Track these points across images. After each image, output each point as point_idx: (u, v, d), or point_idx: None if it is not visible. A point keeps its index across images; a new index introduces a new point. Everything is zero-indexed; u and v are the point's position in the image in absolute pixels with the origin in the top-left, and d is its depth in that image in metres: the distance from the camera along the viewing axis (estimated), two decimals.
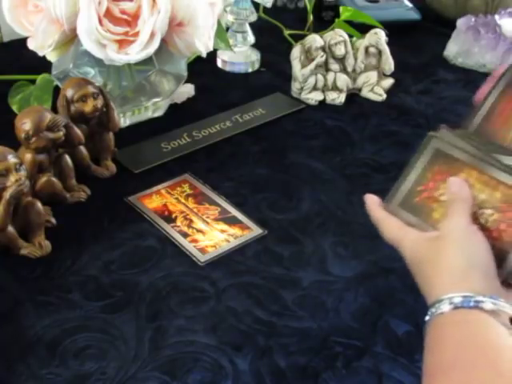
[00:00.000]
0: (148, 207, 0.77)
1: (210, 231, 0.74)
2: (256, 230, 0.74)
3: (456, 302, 0.48)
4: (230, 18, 1.05)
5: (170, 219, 0.75)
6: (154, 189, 0.80)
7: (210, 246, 0.72)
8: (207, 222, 0.75)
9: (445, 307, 0.49)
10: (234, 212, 0.76)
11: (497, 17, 1.11)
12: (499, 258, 0.53)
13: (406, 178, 0.59)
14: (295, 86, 1.00)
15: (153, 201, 0.78)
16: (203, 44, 0.82)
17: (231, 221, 0.75)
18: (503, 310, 0.48)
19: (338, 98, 0.99)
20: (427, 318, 0.50)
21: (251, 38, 1.07)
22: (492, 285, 0.51)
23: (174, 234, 0.73)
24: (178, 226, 0.74)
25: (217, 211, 0.77)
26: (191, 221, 0.75)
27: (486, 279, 0.51)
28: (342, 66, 1.00)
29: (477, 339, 0.47)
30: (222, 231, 0.74)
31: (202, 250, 0.71)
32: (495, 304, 0.48)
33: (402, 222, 0.57)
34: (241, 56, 1.07)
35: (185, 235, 0.73)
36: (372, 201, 0.60)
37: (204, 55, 0.84)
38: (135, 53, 0.75)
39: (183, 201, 0.78)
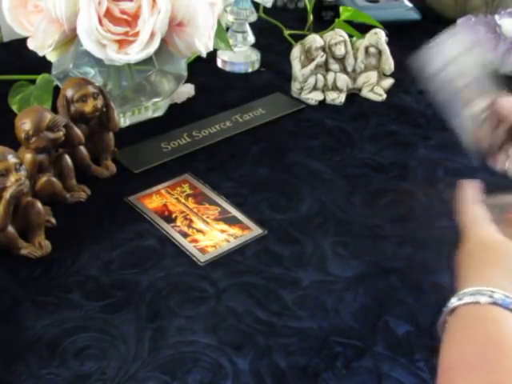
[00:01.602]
0: (148, 207, 0.77)
1: (210, 231, 0.74)
2: (256, 230, 0.74)
3: (496, 298, 0.49)
4: (230, 17, 1.05)
5: (170, 219, 0.75)
6: (154, 189, 0.80)
7: (210, 246, 0.72)
8: (207, 222, 0.75)
9: (483, 299, 0.49)
10: (234, 212, 0.76)
11: (497, 17, 1.11)
12: None
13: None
14: (295, 86, 1.00)
15: (153, 201, 0.78)
16: (203, 44, 0.82)
17: (231, 221, 0.75)
18: None
19: (338, 98, 0.99)
20: (454, 299, 0.51)
21: (251, 38, 1.07)
22: None
23: (174, 234, 0.73)
24: (178, 226, 0.74)
25: (217, 211, 0.77)
26: (191, 221, 0.75)
27: None
28: (342, 66, 1.00)
29: (508, 340, 0.47)
30: (222, 231, 0.74)
31: (202, 250, 0.71)
32: None
33: (486, 214, 0.58)
34: (241, 56, 1.07)
35: (185, 235, 0.73)
36: (473, 185, 0.62)
37: (204, 55, 0.83)
38: (135, 53, 0.75)
39: (183, 201, 0.78)
